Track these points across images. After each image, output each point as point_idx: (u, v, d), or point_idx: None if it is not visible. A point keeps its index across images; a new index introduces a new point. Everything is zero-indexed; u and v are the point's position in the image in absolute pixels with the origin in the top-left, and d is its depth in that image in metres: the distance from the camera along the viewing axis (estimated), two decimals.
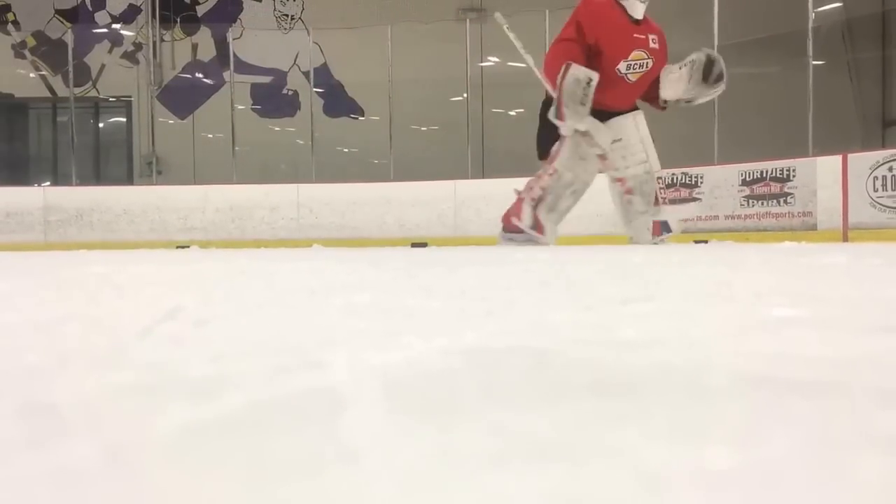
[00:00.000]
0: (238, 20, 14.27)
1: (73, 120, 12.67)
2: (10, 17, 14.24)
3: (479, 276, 2.49)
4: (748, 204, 8.92)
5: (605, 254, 4.50)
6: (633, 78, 6.73)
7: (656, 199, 6.88)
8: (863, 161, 8.17)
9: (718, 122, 10.30)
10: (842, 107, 12.22)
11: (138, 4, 14.34)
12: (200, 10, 14.48)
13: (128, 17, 14.39)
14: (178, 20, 14.36)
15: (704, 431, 0.56)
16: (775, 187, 8.73)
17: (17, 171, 14.18)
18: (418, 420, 0.58)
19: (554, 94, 6.57)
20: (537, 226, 6.81)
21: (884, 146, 10.34)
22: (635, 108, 7.02)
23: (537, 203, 6.83)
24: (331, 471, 0.46)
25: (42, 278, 2.96)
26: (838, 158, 8.36)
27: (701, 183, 9.28)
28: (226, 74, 13.52)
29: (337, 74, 13.77)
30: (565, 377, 0.75)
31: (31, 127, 14.81)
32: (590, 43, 6.61)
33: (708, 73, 6.71)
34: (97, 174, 14.39)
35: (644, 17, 6.79)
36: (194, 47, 14.36)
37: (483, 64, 13.05)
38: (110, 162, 14.75)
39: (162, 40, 14.24)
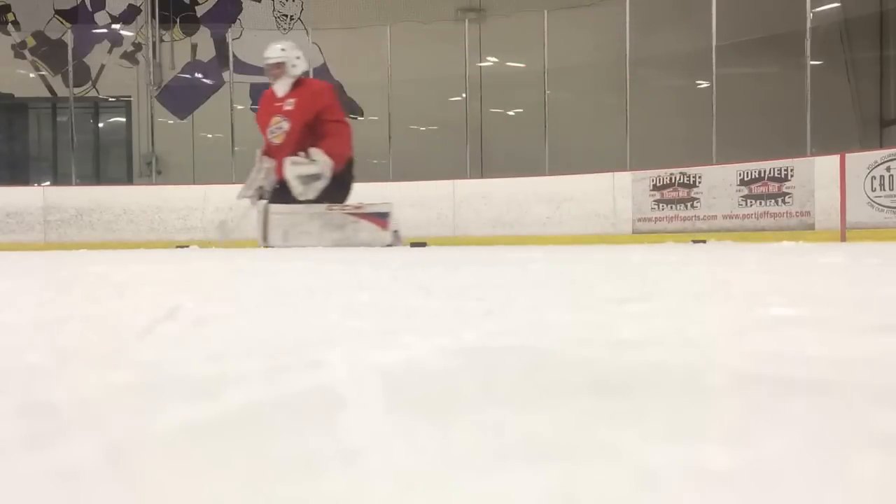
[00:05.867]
0: (237, 20, 14.25)
1: (73, 120, 12.65)
2: (10, 17, 14.21)
3: (477, 276, 2.49)
4: (746, 204, 8.92)
5: (604, 253, 4.50)
6: (277, 140, 7.91)
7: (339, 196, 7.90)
8: (860, 161, 8.17)
9: (716, 122, 10.29)
10: (839, 107, 12.21)
11: (138, 5, 14.31)
12: (200, 11, 14.46)
13: (127, 17, 14.37)
14: (178, 20, 14.34)
15: (702, 430, 0.56)
16: (773, 187, 8.73)
17: (17, 171, 14.15)
18: (417, 419, 0.58)
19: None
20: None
21: (881, 146, 10.33)
22: None
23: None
24: (330, 470, 0.46)
25: (42, 278, 2.95)
26: (836, 158, 8.35)
27: (699, 183, 9.29)
28: (225, 74, 13.50)
29: (336, 74, 13.73)
30: (563, 377, 0.76)
31: (31, 127, 14.77)
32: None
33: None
34: (97, 174, 14.36)
35: (301, 85, 7.93)
36: (194, 47, 14.33)
37: (482, 64, 13.03)
38: (110, 162, 14.72)
39: (161, 40, 14.21)
